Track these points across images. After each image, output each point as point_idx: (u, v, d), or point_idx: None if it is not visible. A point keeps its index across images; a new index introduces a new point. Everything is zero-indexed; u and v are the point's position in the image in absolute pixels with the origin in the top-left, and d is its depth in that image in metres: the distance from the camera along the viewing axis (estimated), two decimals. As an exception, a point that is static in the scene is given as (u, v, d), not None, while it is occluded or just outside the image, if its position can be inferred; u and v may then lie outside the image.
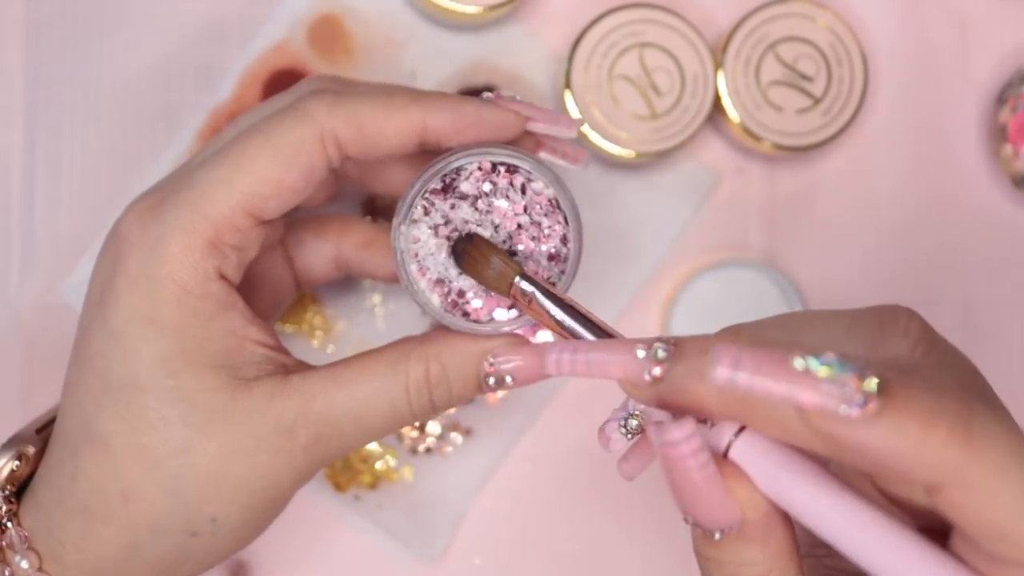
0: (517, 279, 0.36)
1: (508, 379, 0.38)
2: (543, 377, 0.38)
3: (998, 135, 0.54)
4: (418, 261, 0.37)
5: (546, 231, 0.38)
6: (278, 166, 0.37)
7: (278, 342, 0.40)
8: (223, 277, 0.38)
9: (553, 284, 0.37)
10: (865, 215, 0.55)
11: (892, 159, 0.55)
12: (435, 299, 0.38)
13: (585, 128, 0.51)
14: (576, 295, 0.53)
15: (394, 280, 0.45)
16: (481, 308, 0.38)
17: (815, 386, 0.28)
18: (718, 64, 0.52)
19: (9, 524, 0.38)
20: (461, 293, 0.38)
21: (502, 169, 0.37)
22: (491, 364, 0.38)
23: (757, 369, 0.28)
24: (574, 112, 0.51)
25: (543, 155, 0.41)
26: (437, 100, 0.38)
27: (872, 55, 0.54)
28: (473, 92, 0.53)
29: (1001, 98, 0.54)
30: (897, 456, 0.28)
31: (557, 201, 0.38)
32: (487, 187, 0.37)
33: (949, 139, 0.55)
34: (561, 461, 0.54)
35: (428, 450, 0.53)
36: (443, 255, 0.37)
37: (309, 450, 0.38)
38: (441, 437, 0.53)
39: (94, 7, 0.53)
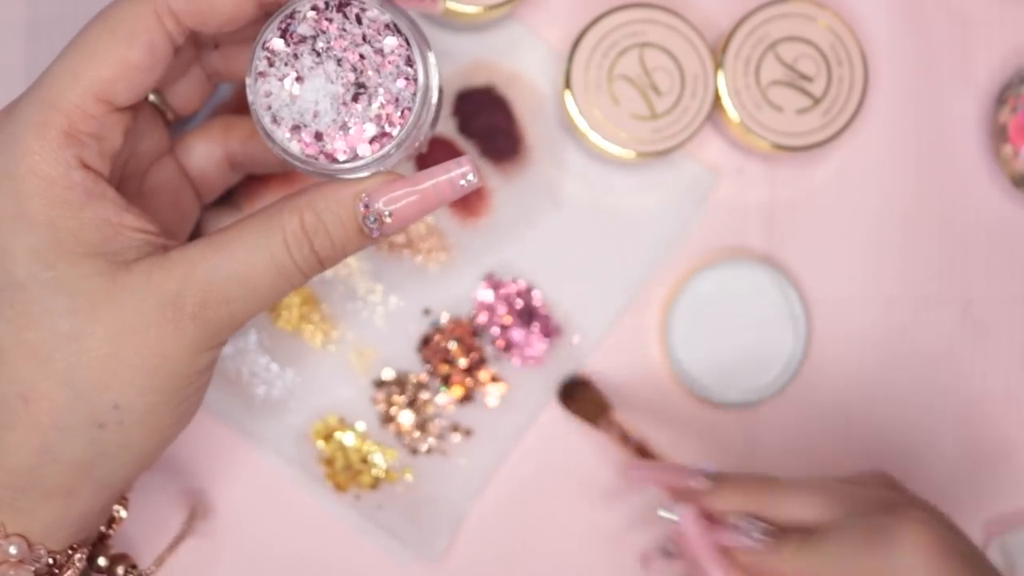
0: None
1: (387, 217, 0.38)
2: (423, 212, 0.38)
3: (998, 135, 0.54)
4: (272, 113, 0.37)
5: (389, 56, 0.37)
6: (119, 46, 0.37)
7: (159, 228, 0.39)
8: (86, 167, 0.38)
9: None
10: (865, 215, 0.55)
11: (892, 159, 0.55)
12: (295, 146, 0.37)
13: (585, 128, 0.51)
14: (576, 294, 0.54)
15: (280, 168, 0.45)
16: (344, 148, 0.37)
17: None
18: (718, 64, 0.52)
19: None
20: (319, 136, 0.37)
21: (334, 5, 0.37)
22: (366, 205, 0.38)
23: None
24: (574, 112, 0.51)
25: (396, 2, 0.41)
26: None
27: (872, 55, 0.54)
28: (474, 92, 0.53)
29: (1001, 98, 0.54)
30: None
31: (395, 25, 0.37)
32: (323, 24, 0.37)
33: (949, 139, 0.55)
34: (561, 462, 0.54)
35: (428, 451, 0.53)
36: (296, 103, 0.37)
37: (197, 318, 0.37)
38: (441, 438, 0.53)
39: (94, 7, 0.53)
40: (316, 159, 0.37)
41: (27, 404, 0.37)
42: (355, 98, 0.37)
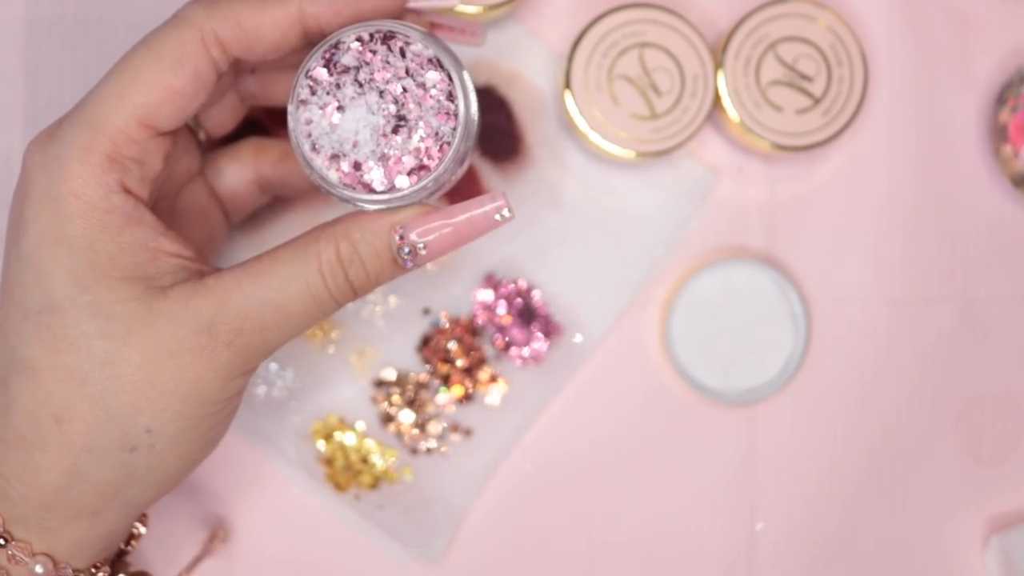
0: None
1: (421, 249, 0.38)
2: (456, 244, 0.38)
3: (998, 135, 0.54)
4: (312, 141, 0.37)
5: (431, 91, 0.38)
6: (165, 72, 0.38)
7: (195, 253, 0.40)
8: (127, 191, 0.38)
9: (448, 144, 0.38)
10: (865, 215, 0.55)
11: (892, 159, 0.55)
12: (333, 175, 0.37)
13: (585, 128, 0.51)
14: (576, 294, 0.54)
15: (313, 188, 0.45)
16: (382, 179, 0.37)
17: None
18: (718, 64, 0.52)
19: None
20: (357, 166, 0.37)
21: (378, 37, 0.38)
22: (401, 236, 0.38)
23: None
24: (574, 112, 0.51)
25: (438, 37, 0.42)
26: None
27: (872, 55, 0.54)
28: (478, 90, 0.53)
29: (1001, 98, 0.54)
30: None
31: (438, 60, 0.38)
32: (367, 56, 0.38)
33: (949, 139, 0.55)
34: (561, 461, 0.54)
35: (428, 450, 0.53)
36: (336, 132, 0.37)
37: (232, 345, 0.38)
38: (441, 437, 0.53)
39: (94, 7, 0.53)
40: (353, 189, 0.37)
41: (60, 425, 0.37)
42: (395, 130, 0.37)
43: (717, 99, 0.52)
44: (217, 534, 0.51)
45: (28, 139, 0.52)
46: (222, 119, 0.46)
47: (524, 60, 0.54)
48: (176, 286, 0.38)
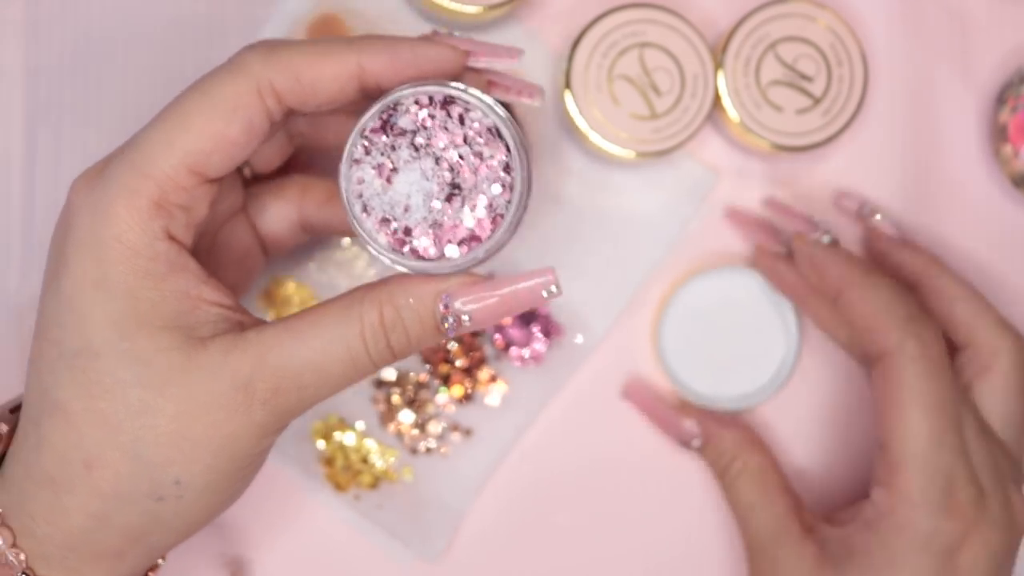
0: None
1: (466, 320, 0.38)
2: (501, 316, 0.38)
3: (998, 135, 0.54)
4: (363, 201, 0.37)
5: (487, 161, 0.37)
6: (217, 121, 0.37)
7: (235, 302, 0.39)
8: (172, 237, 0.38)
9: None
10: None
11: (892, 159, 0.55)
12: (382, 238, 0.37)
13: (585, 128, 0.51)
14: (575, 294, 0.54)
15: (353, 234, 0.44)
16: (431, 246, 0.37)
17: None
18: (718, 64, 0.52)
19: None
20: (408, 231, 0.37)
21: (438, 101, 0.37)
22: (445, 306, 0.37)
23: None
24: (574, 112, 0.51)
25: (496, 95, 0.41)
26: (372, 41, 0.38)
27: (872, 55, 0.54)
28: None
29: (1001, 98, 0.54)
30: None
31: (498, 130, 0.37)
32: (425, 121, 0.37)
33: (949, 139, 0.55)
34: (561, 461, 0.54)
35: (428, 450, 0.53)
36: (388, 194, 0.37)
37: (268, 403, 0.37)
38: (441, 437, 0.53)
39: (94, 7, 0.53)
40: (402, 254, 0.37)
41: (90, 471, 0.37)
42: (448, 198, 0.37)
43: (717, 99, 0.52)
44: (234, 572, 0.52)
45: (28, 139, 0.52)
46: (269, 157, 0.45)
47: (524, 60, 0.53)
48: (216, 338, 0.37)
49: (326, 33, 0.53)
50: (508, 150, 0.37)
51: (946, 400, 0.45)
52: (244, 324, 0.39)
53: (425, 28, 0.53)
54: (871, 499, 0.47)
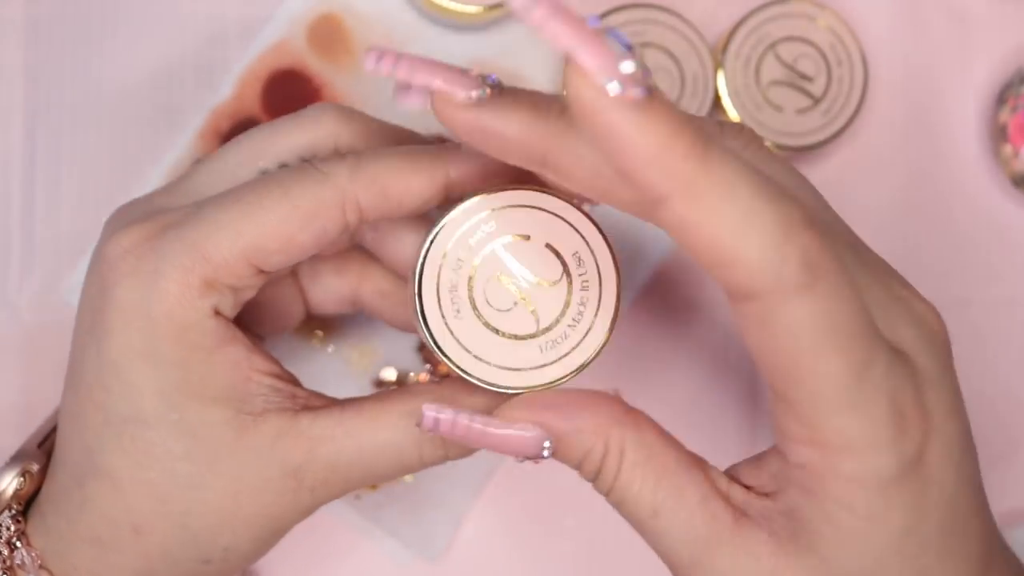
0: None
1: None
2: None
3: (998, 135, 0.54)
4: None
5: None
6: (292, 224, 0.36)
7: (284, 370, 0.40)
8: (219, 314, 0.37)
9: None
10: (864, 215, 0.55)
11: (892, 159, 0.55)
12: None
13: (585, 128, 0.51)
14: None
15: (408, 329, 0.44)
16: None
17: (601, 52, 0.27)
18: (718, 64, 0.52)
19: (19, 544, 0.38)
20: None
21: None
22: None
23: (561, 17, 0.27)
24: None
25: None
26: (460, 151, 0.37)
27: (872, 55, 0.54)
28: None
29: (1001, 98, 0.54)
30: (636, 149, 0.28)
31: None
32: None
33: (949, 139, 0.55)
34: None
35: (428, 450, 0.53)
36: None
37: (315, 491, 0.38)
38: (441, 437, 0.53)
39: (94, 7, 0.53)
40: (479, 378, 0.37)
41: (138, 535, 0.37)
42: None
43: (717, 99, 0.52)
44: None
45: (28, 139, 0.52)
46: (326, 249, 0.43)
47: (524, 60, 0.54)
48: (267, 416, 0.37)
49: (326, 34, 0.53)
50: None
51: (856, 312, 0.31)
52: (296, 397, 0.39)
53: (425, 28, 0.53)
54: (794, 462, 0.33)
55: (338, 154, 0.38)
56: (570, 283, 0.36)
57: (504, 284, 0.36)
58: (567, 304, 0.36)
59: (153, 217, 0.38)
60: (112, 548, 0.38)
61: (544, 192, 0.36)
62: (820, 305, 0.29)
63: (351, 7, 0.53)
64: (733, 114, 0.51)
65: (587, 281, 0.36)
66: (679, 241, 0.29)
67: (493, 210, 0.36)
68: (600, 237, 0.36)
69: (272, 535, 0.39)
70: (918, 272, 0.55)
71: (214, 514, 0.37)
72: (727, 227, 0.28)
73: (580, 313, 0.36)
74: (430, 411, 0.35)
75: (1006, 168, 0.54)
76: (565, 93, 0.28)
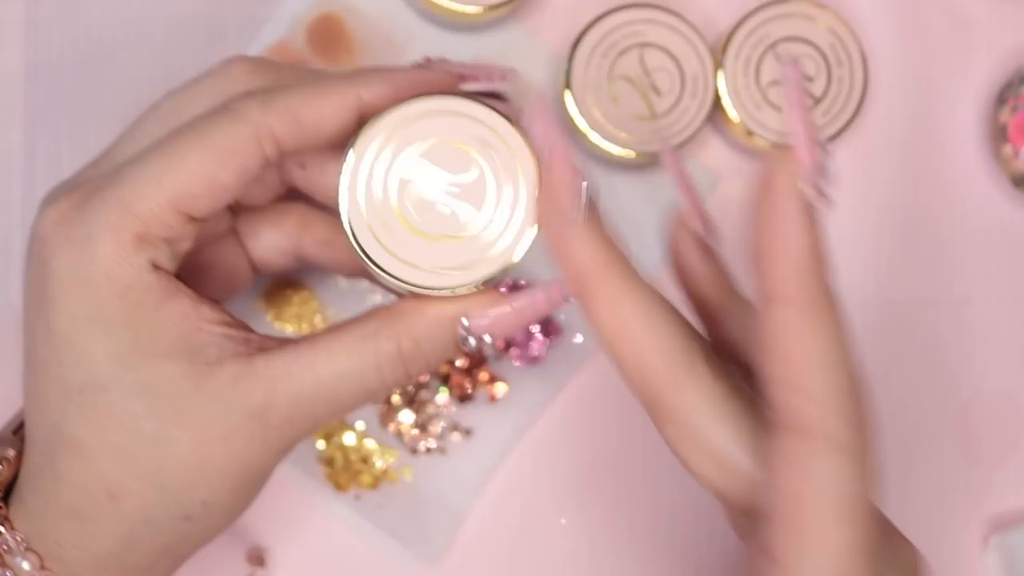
0: None
1: (487, 337, 0.37)
2: (519, 327, 0.37)
3: (998, 135, 0.54)
4: None
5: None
6: (211, 165, 0.36)
7: (234, 317, 0.39)
8: (158, 267, 0.37)
9: None
10: (864, 215, 0.55)
11: (892, 159, 0.55)
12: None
13: (585, 128, 0.51)
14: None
15: (354, 274, 0.44)
16: None
17: None
18: (718, 64, 0.52)
19: (3, 529, 0.38)
20: None
21: None
22: (465, 327, 0.37)
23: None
24: (574, 112, 0.51)
25: (466, 87, 0.41)
26: (369, 74, 0.38)
27: (872, 55, 0.54)
28: (474, 92, 0.53)
29: (1001, 98, 0.54)
30: None
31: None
32: None
33: (949, 139, 0.55)
34: (562, 462, 0.54)
35: (428, 450, 0.53)
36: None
37: (282, 430, 0.38)
38: (441, 437, 0.53)
39: (94, 7, 0.53)
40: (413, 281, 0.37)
41: (114, 501, 0.37)
42: None
43: (717, 100, 0.52)
44: (253, 558, 0.52)
45: (28, 139, 0.52)
46: (259, 195, 0.44)
47: (524, 60, 0.54)
48: (223, 365, 0.37)
49: (326, 34, 0.53)
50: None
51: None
52: (250, 340, 0.38)
53: (425, 28, 0.53)
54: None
55: (249, 93, 0.38)
56: (488, 175, 0.37)
57: (427, 192, 0.36)
58: (489, 194, 0.37)
59: (78, 187, 0.38)
60: (91, 518, 0.37)
61: (448, 96, 0.37)
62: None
63: (351, 7, 0.53)
64: (733, 114, 0.52)
65: (506, 169, 0.37)
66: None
67: (403, 121, 0.36)
68: (509, 126, 0.37)
69: (250, 482, 0.39)
70: (918, 272, 0.55)
71: (186, 468, 0.37)
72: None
73: (503, 199, 0.37)
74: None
75: (1006, 168, 0.54)
76: None
